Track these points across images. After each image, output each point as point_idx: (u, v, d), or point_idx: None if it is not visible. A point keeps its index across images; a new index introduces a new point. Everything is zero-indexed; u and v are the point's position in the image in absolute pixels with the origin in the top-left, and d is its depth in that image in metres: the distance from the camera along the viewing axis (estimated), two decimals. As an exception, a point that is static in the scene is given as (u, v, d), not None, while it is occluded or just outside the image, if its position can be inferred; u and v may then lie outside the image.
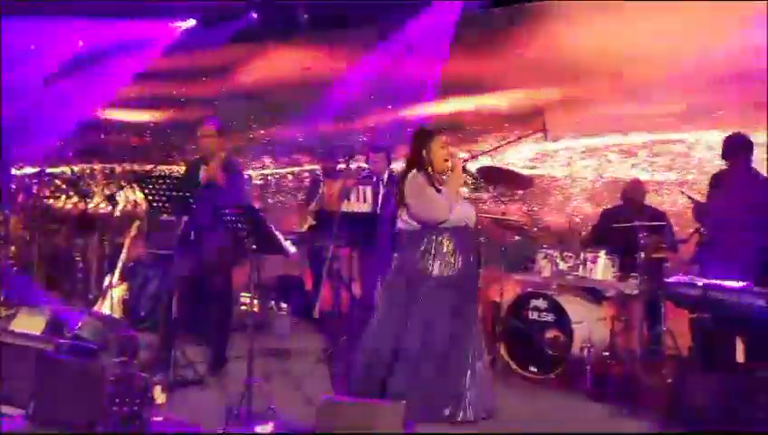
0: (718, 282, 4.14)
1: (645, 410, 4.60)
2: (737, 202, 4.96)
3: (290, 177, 9.29)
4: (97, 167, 10.35)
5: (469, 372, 4.32)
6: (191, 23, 9.26)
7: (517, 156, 7.36)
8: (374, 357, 4.38)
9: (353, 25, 8.50)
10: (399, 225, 4.46)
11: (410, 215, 4.35)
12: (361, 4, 7.96)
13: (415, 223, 4.35)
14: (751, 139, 5.20)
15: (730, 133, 5.37)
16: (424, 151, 4.37)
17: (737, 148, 5.18)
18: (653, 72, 6.59)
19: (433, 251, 4.28)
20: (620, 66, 6.78)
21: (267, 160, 9.51)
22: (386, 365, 4.29)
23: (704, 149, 6.44)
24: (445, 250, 4.28)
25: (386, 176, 6.09)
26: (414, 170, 4.38)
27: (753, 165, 5.26)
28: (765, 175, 5.25)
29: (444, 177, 4.41)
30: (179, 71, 9.74)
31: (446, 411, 4.23)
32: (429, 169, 4.37)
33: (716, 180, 5.32)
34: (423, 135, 4.45)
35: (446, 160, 4.41)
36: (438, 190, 4.31)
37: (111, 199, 6.22)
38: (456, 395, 4.25)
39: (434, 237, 4.30)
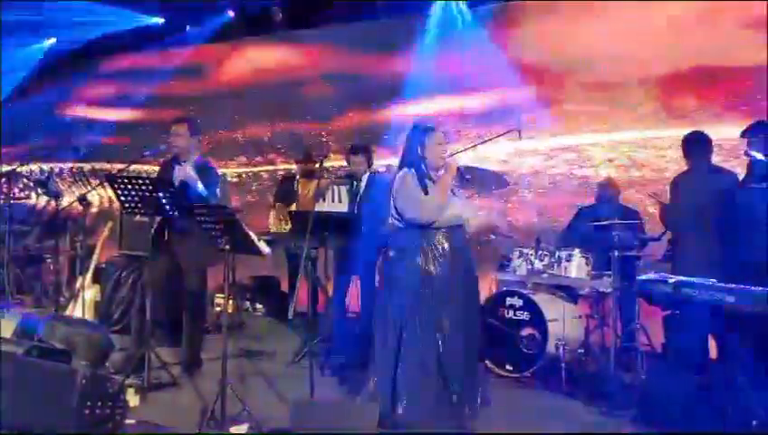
0: (689, 279, 4.18)
1: (619, 407, 4.64)
2: (701, 200, 4.98)
3: (264, 175, 9.26)
4: (65, 166, 10.23)
5: (471, 371, 4.28)
6: (160, 20, 9.19)
7: (492, 154, 7.39)
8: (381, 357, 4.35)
9: (330, 24, 8.48)
10: (392, 222, 4.39)
11: (399, 215, 4.29)
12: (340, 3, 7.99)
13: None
14: (709, 136, 5.21)
15: (690, 131, 5.39)
16: (419, 149, 4.28)
17: (697, 145, 5.20)
18: (630, 71, 6.67)
19: (428, 251, 4.22)
20: (598, 66, 6.84)
21: (242, 159, 9.47)
22: (392, 364, 4.24)
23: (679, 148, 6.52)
24: (440, 249, 4.22)
25: (366, 177, 6.06)
26: (405, 169, 4.31)
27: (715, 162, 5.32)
28: (727, 170, 5.29)
29: (439, 173, 4.29)
30: (154, 69, 9.67)
31: (451, 410, 4.17)
32: (424, 166, 4.30)
33: (678, 182, 5.34)
34: (417, 132, 4.35)
35: (442, 157, 4.30)
36: (426, 191, 4.21)
37: (83, 201, 6.13)
38: (460, 394, 4.22)
39: (429, 237, 4.24)
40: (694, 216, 4.99)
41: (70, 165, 10.49)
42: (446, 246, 4.21)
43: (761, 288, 3.82)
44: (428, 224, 4.20)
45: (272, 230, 6.80)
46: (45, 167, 10.26)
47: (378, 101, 8.19)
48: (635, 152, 6.87)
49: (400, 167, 4.36)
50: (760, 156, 4.73)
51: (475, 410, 4.27)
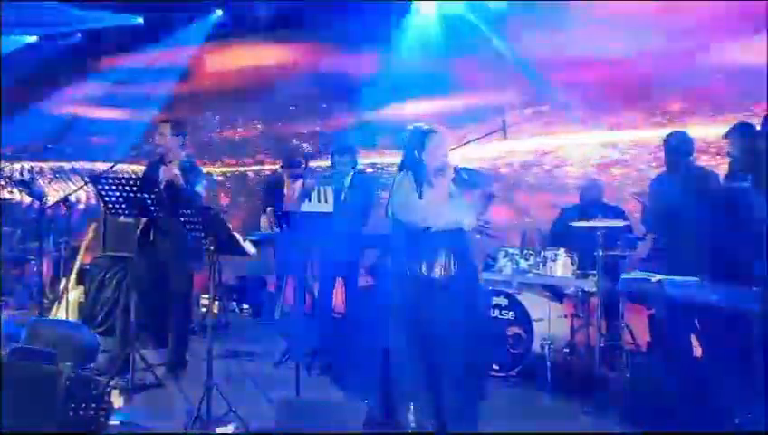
0: (672, 278, 4.20)
1: (604, 406, 4.66)
2: (681, 200, 5.00)
3: (251, 175, 9.24)
4: (45, 165, 10.14)
5: (473, 375, 4.10)
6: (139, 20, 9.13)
7: (477, 154, 7.40)
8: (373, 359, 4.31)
9: (315, 25, 8.46)
10: (392, 226, 4.31)
11: (394, 218, 4.21)
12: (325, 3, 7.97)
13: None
14: (690, 136, 5.25)
15: (671, 132, 5.36)
16: (416, 151, 4.14)
17: (677, 145, 5.21)
18: (613, 72, 6.70)
19: (426, 254, 4.15)
20: (581, 65, 6.88)
21: (230, 160, 9.45)
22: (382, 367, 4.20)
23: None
24: (437, 253, 4.14)
25: (350, 177, 6.04)
26: (402, 172, 4.20)
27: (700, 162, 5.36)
28: (708, 169, 5.33)
29: (437, 176, 4.14)
30: (141, 70, 9.60)
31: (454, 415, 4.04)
32: (421, 169, 4.12)
33: (657, 183, 5.36)
34: (417, 134, 4.20)
35: (441, 160, 4.13)
36: (422, 196, 4.09)
37: (66, 202, 6.09)
38: (457, 399, 4.05)
39: (426, 240, 4.14)
40: (674, 216, 5.01)
41: (51, 164, 10.40)
42: (441, 249, 4.13)
43: (742, 286, 3.85)
44: (422, 229, 4.13)
45: (261, 231, 6.78)
46: (27, 166, 10.16)
47: (366, 101, 8.19)
48: (620, 153, 6.92)
49: (399, 169, 4.29)
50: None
51: (473, 414, 4.08)
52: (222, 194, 9.27)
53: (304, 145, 8.50)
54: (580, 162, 7.12)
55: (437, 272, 4.09)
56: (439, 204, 4.11)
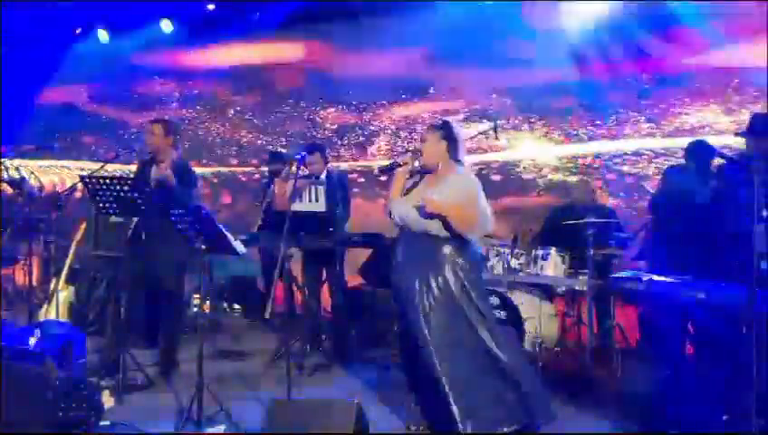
0: (661, 278, 4.21)
1: (595, 406, 4.68)
2: (688, 198, 5.02)
3: (245, 175, 9.22)
4: (31, 163, 10.04)
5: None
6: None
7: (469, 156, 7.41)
8: None
9: (308, 24, 8.45)
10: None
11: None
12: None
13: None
14: (712, 145, 5.26)
15: (693, 140, 5.40)
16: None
17: (698, 152, 5.23)
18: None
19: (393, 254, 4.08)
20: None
21: (230, 161, 9.42)
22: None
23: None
24: (396, 253, 4.03)
25: (323, 176, 6.02)
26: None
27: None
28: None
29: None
30: (136, 68, 9.55)
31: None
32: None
33: (671, 176, 5.38)
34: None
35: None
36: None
37: (59, 202, 6.08)
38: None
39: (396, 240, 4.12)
40: (679, 209, 5.01)
41: (39, 162, 10.33)
42: (397, 250, 4.03)
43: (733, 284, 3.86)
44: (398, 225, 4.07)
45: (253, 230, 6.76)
46: (15, 163, 10.07)
47: (360, 100, 8.19)
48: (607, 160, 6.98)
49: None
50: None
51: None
52: (215, 194, 9.24)
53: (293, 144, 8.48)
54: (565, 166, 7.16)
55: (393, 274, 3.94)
56: (392, 197, 3.99)
